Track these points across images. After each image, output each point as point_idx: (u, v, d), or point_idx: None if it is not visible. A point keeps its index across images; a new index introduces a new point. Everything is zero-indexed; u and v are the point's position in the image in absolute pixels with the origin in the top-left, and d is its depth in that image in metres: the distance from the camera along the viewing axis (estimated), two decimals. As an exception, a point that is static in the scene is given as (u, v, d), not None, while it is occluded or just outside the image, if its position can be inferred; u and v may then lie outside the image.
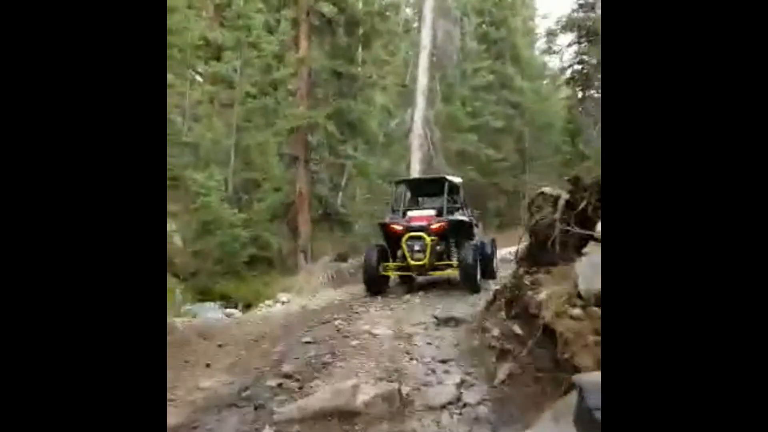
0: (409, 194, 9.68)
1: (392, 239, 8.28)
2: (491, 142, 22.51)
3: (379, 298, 8.00)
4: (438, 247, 8.10)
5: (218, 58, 14.52)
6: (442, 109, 19.85)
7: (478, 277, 7.98)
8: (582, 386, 0.98)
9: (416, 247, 7.96)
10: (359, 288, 8.84)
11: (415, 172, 18.68)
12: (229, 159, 19.83)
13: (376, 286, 8.30)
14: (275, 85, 11.94)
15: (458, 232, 8.37)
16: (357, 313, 7.02)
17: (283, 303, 9.39)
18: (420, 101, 19.41)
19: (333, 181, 14.31)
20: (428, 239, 7.91)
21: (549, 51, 24.50)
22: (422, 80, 19.46)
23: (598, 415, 0.81)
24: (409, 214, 8.60)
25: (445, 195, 8.66)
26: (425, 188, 9.71)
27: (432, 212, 8.47)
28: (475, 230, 9.00)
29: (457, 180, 9.41)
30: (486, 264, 8.60)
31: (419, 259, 7.97)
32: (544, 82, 33.49)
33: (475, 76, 21.66)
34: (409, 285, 8.94)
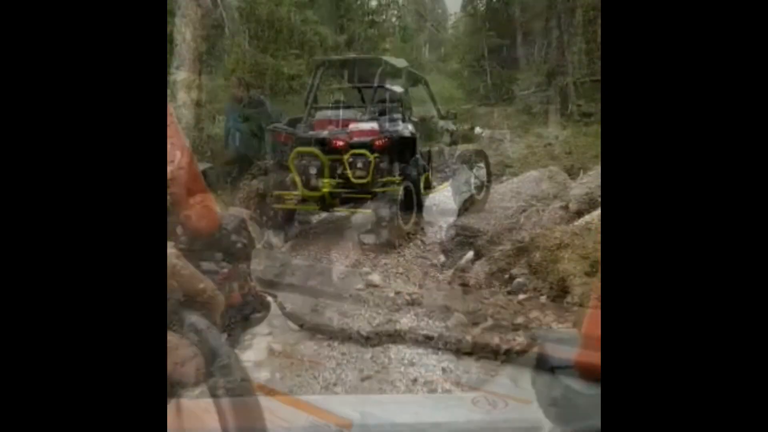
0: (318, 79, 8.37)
1: (330, 153, 7.66)
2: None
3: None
4: (381, 164, 7.76)
5: None
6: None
7: (421, 199, 8.07)
8: (545, 342, 0.92)
9: (359, 165, 7.47)
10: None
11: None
12: None
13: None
14: None
15: (402, 148, 7.91)
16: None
17: None
18: None
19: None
20: (372, 157, 7.43)
21: None
22: None
23: (560, 375, 0.78)
24: (351, 127, 7.74)
25: (388, 100, 8.08)
26: (357, 74, 8.70)
27: (374, 125, 7.73)
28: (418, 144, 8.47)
29: (402, 64, 8.25)
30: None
31: (361, 177, 7.52)
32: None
33: None
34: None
